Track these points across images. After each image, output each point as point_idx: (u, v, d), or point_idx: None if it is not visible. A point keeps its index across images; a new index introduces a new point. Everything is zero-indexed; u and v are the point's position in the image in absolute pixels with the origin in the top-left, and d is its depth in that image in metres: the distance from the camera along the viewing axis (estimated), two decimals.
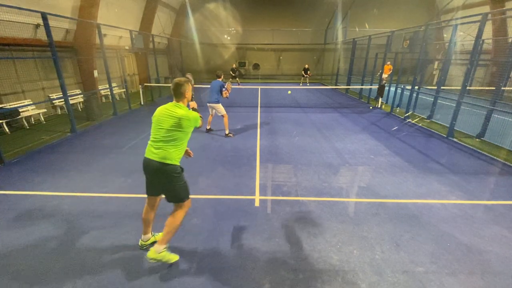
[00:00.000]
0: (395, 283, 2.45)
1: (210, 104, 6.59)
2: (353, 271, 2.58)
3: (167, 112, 2.40)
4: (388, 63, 12.63)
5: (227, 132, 6.76)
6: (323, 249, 2.87)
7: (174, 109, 2.42)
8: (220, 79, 6.63)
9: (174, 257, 2.61)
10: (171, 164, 2.38)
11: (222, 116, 6.68)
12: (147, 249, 2.77)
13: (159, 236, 2.87)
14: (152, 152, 2.39)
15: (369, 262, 2.68)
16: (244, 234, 3.09)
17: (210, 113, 6.92)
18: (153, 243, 2.84)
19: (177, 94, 2.47)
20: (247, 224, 3.27)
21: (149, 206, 2.67)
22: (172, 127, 2.36)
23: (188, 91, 2.52)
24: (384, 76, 11.71)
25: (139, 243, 2.84)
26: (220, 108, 6.60)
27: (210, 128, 7.15)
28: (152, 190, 2.57)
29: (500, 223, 3.34)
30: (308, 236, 3.07)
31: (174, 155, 2.40)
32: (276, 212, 3.53)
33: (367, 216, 3.46)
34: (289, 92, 7.61)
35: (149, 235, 2.85)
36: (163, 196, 2.58)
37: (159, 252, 2.46)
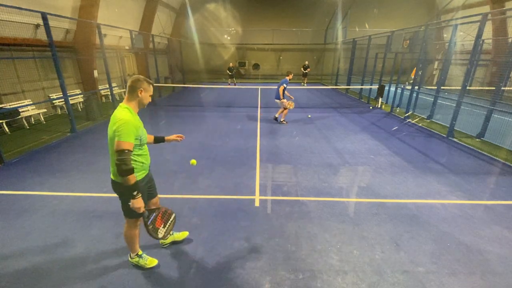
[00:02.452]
0: (395, 283, 2.45)
1: (276, 100, 7.99)
2: (353, 271, 2.58)
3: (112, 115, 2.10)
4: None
5: (282, 119, 8.13)
6: (323, 249, 2.87)
7: (116, 110, 2.10)
8: (288, 78, 7.79)
9: (151, 262, 2.56)
10: (114, 180, 2.18)
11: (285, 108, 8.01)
12: (168, 247, 2.86)
13: (178, 235, 2.94)
14: None
15: (369, 262, 2.68)
16: (244, 234, 3.08)
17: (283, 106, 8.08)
18: (173, 242, 2.91)
19: (128, 89, 2.14)
20: (247, 224, 3.27)
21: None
22: (109, 130, 2.06)
23: (144, 91, 2.13)
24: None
25: (160, 241, 2.88)
26: (283, 103, 7.86)
27: (276, 118, 8.29)
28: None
29: (500, 223, 3.34)
30: (308, 236, 3.07)
31: (114, 170, 2.11)
32: (276, 212, 3.53)
33: (367, 216, 3.46)
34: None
35: None
36: (156, 199, 2.63)
37: (132, 258, 2.56)
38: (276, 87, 7.86)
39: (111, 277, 2.46)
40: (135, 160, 2.16)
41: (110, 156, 2.13)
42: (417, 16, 18.88)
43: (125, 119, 1.99)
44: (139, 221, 2.40)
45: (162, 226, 2.36)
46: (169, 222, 2.45)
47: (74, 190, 4.04)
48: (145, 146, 2.32)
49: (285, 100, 7.82)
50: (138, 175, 2.18)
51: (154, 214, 2.34)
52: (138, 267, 2.57)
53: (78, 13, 9.51)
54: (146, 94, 2.17)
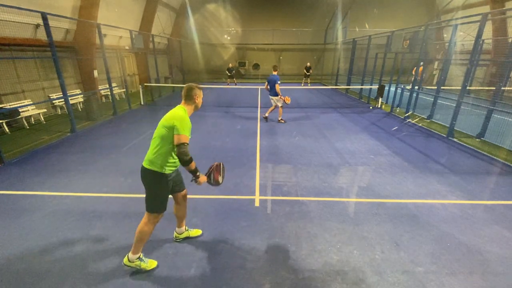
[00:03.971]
0: (395, 283, 2.44)
1: (271, 97, 7.95)
2: (353, 271, 2.58)
3: (168, 113, 2.33)
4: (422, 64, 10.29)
5: (279, 118, 8.12)
6: (323, 249, 2.87)
7: (172, 110, 2.34)
8: (275, 73, 7.71)
9: (151, 264, 2.56)
10: (151, 170, 2.29)
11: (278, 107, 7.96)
12: (180, 242, 2.90)
13: (193, 232, 3.01)
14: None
15: (369, 262, 2.68)
16: (244, 234, 3.08)
17: (272, 104, 8.07)
18: (187, 237, 2.96)
19: (185, 96, 2.39)
20: (247, 224, 3.27)
21: (175, 202, 2.74)
22: (161, 126, 2.27)
23: (198, 96, 2.43)
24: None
25: (174, 235, 2.94)
26: (278, 100, 7.83)
27: (266, 117, 8.34)
28: None
29: (500, 223, 3.34)
30: (308, 236, 3.07)
31: (157, 160, 2.28)
32: (276, 212, 3.53)
33: (367, 216, 3.46)
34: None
35: (183, 228, 2.93)
36: (185, 192, 2.72)
37: (133, 262, 2.47)
38: (267, 83, 7.82)
39: (111, 277, 2.46)
40: (173, 157, 2.35)
41: (152, 144, 2.32)
42: (417, 16, 18.88)
43: (185, 117, 2.27)
44: (160, 218, 2.47)
45: (220, 176, 2.67)
46: (222, 170, 2.71)
47: (74, 190, 4.04)
48: None
49: (283, 97, 7.83)
50: (167, 169, 2.34)
51: (212, 173, 2.60)
52: (136, 271, 2.52)
53: (78, 13, 9.51)
54: (200, 99, 2.47)
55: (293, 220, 3.36)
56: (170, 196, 2.55)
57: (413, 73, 10.95)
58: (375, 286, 2.41)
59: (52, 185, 4.18)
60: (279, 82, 7.64)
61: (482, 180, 4.50)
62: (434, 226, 3.25)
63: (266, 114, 8.33)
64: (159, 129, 2.28)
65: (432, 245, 2.93)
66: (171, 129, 2.20)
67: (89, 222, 3.26)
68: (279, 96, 7.76)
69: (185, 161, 2.24)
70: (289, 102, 7.96)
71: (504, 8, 12.19)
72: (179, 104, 2.43)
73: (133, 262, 2.47)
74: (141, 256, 2.51)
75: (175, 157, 2.35)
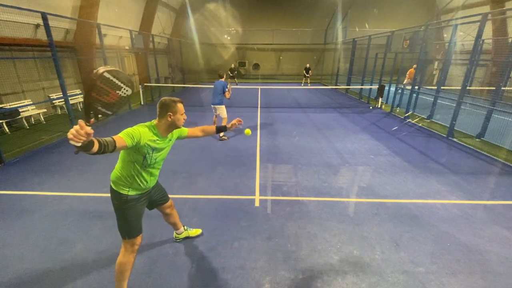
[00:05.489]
0: (395, 283, 2.44)
1: (214, 106, 6.41)
2: (353, 271, 2.58)
3: None
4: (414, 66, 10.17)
5: (221, 134, 6.49)
6: (323, 249, 2.87)
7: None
8: (223, 79, 6.43)
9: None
10: (113, 189, 2.05)
11: (222, 118, 6.48)
12: (180, 242, 2.91)
13: (192, 232, 3.00)
14: None
15: (369, 262, 2.68)
16: (244, 234, 3.08)
17: (215, 113, 6.67)
18: (187, 237, 2.96)
19: (158, 112, 2.05)
20: (247, 224, 3.27)
21: (162, 213, 2.63)
22: None
23: (174, 113, 2.01)
24: (406, 81, 11.05)
25: (174, 235, 2.94)
26: (223, 110, 6.41)
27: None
28: None
29: (500, 223, 3.34)
30: (308, 236, 3.07)
31: (119, 178, 2.02)
32: (276, 212, 3.53)
33: (367, 216, 3.46)
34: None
35: (182, 229, 2.92)
36: (169, 203, 2.60)
37: None
38: (214, 91, 6.34)
39: (111, 277, 2.46)
40: (140, 177, 2.04)
41: (117, 165, 2.07)
42: (417, 16, 18.89)
43: (135, 127, 1.92)
44: (137, 245, 2.16)
45: (116, 89, 1.94)
46: (114, 79, 2.07)
47: (74, 190, 4.04)
48: (155, 171, 2.17)
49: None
50: (130, 191, 2.06)
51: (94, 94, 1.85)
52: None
53: (78, 13, 9.51)
54: (177, 116, 2.04)
55: (293, 220, 3.36)
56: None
57: (408, 79, 11.00)
58: (375, 286, 2.41)
59: (52, 185, 4.18)
60: (226, 89, 6.38)
61: (482, 180, 4.50)
62: (434, 226, 3.25)
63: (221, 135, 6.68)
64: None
65: (432, 245, 2.93)
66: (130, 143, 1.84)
67: (89, 222, 3.26)
68: (223, 105, 6.46)
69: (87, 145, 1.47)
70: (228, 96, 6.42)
71: (504, 8, 12.19)
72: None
73: None
74: None
75: (144, 176, 2.06)
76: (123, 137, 1.79)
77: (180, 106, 2.06)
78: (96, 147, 1.51)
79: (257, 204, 3.73)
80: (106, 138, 1.63)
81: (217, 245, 2.90)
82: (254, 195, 3.94)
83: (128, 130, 1.86)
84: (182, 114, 2.08)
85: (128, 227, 2.09)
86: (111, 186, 2.06)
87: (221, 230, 3.16)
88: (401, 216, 3.46)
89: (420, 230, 3.18)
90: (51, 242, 2.91)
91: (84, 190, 4.04)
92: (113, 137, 1.72)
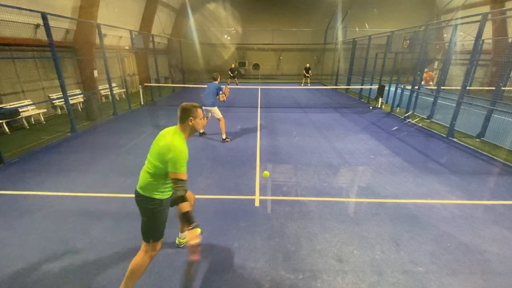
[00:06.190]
0: (395, 283, 2.44)
1: (206, 108, 6.23)
2: (353, 271, 2.58)
3: (160, 137, 2.12)
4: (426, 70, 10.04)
5: (224, 136, 6.42)
6: (323, 249, 2.87)
7: (167, 136, 2.06)
8: (217, 82, 6.34)
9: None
10: (145, 197, 2.07)
11: (218, 120, 6.38)
12: (183, 247, 2.83)
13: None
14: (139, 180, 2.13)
15: (369, 262, 2.68)
16: (244, 234, 3.08)
17: (205, 115, 6.43)
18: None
19: (180, 118, 2.13)
20: (247, 224, 3.27)
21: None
22: (156, 153, 2.02)
23: (194, 118, 2.11)
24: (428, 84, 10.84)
25: (176, 241, 2.87)
26: (217, 111, 6.29)
27: (203, 132, 6.89)
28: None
29: (500, 223, 3.34)
30: (308, 236, 3.07)
31: (152, 188, 2.06)
32: (276, 212, 3.53)
33: (367, 216, 3.46)
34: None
35: (185, 233, 2.84)
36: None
37: None
38: (207, 92, 6.30)
39: (111, 277, 2.46)
40: (167, 183, 2.10)
41: (146, 166, 2.10)
42: (417, 16, 18.89)
43: (182, 150, 1.98)
44: (157, 250, 2.20)
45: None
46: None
47: (74, 190, 4.04)
48: None
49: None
50: (164, 195, 2.11)
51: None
52: None
53: (78, 13, 9.51)
54: (197, 120, 2.14)
55: (293, 220, 3.36)
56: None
57: (421, 81, 10.83)
58: (375, 286, 2.41)
59: (52, 185, 4.18)
60: (221, 92, 6.39)
61: (482, 180, 4.50)
62: (434, 226, 3.25)
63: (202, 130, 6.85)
64: (154, 156, 2.03)
65: (432, 245, 2.93)
66: (166, 163, 1.95)
67: (89, 222, 3.26)
68: (216, 107, 6.36)
69: (178, 198, 1.87)
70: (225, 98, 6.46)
71: (504, 8, 12.19)
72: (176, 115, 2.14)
73: None
74: None
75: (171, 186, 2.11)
76: (184, 171, 1.97)
77: (199, 111, 2.15)
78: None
79: (257, 204, 3.73)
80: (184, 192, 1.91)
81: (217, 245, 2.90)
82: (254, 195, 3.94)
83: (182, 160, 1.95)
84: (201, 119, 2.18)
85: (156, 230, 2.15)
86: (139, 193, 2.09)
87: (221, 230, 3.16)
88: (401, 216, 3.46)
89: (420, 230, 3.18)
90: (51, 242, 2.91)
91: (84, 190, 4.04)
92: (180, 177, 1.93)
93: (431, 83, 11.60)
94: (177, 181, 1.92)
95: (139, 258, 2.15)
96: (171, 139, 2.01)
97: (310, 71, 17.77)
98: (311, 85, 18.05)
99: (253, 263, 2.66)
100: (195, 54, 21.20)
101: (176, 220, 2.83)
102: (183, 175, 1.94)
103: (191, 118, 2.09)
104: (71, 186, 4.15)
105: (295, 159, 5.35)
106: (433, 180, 4.46)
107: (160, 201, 2.09)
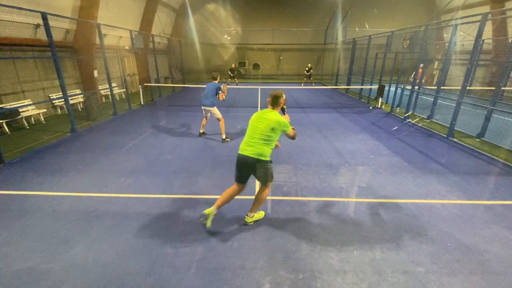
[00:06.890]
0: (395, 283, 2.45)
1: (205, 108, 6.25)
2: (353, 271, 2.58)
3: (263, 116, 2.96)
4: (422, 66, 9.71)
5: (224, 137, 6.39)
6: (323, 249, 2.87)
7: (268, 114, 2.95)
8: (217, 81, 6.32)
9: (261, 214, 3.40)
10: (263, 160, 2.91)
11: (218, 119, 6.38)
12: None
13: (258, 215, 3.38)
14: (247, 150, 2.91)
15: (369, 262, 2.68)
16: (244, 234, 3.09)
17: (204, 115, 6.54)
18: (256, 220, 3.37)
19: (273, 104, 3.04)
20: (247, 224, 3.27)
21: (239, 191, 3.15)
22: (266, 129, 2.88)
23: (282, 101, 3.09)
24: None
25: (245, 220, 3.30)
26: (216, 111, 6.26)
27: (203, 132, 6.84)
28: (245, 179, 3.10)
29: (500, 223, 3.34)
30: (308, 236, 3.07)
31: (266, 152, 2.92)
32: (276, 212, 3.53)
33: (367, 216, 3.46)
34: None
35: (253, 213, 3.34)
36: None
37: (251, 218, 3.25)
38: (206, 92, 6.24)
39: (111, 277, 2.46)
40: (271, 149, 3.01)
41: (257, 139, 2.91)
42: (417, 16, 18.89)
43: (284, 120, 2.98)
44: (272, 184, 3.18)
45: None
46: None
47: (74, 190, 4.04)
48: None
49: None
50: (269, 157, 3.01)
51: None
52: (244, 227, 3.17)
53: (78, 13, 9.51)
54: (284, 101, 3.11)
55: (293, 220, 3.36)
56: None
57: (411, 78, 10.89)
58: (375, 286, 2.41)
59: (52, 185, 4.18)
60: (220, 92, 6.28)
61: (482, 180, 4.50)
62: (434, 226, 3.25)
63: (202, 130, 6.82)
64: (265, 130, 2.88)
65: (432, 245, 2.93)
66: (279, 131, 2.96)
67: (89, 222, 3.26)
68: (215, 107, 6.34)
69: (295, 136, 3.14)
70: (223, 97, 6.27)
71: (504, 8, 12.19)
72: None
73: (253, 217, 3.26)
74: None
75: (272, 147, 3.06)
76: (291, 127, 3.07)
77: (285, 96, 3.12)
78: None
79: None
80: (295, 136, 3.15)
81: (217, 245, 2.90)
82: (254, 195, 3.92)
83: (288, 124, 3.00)
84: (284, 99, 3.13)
85: (271, 175, 3.07)
86: (255, 158, 2.90)
87: (221, 230, 3.16)
88: (401, 216, 3.46)
89: (420, 230, 3.18)
90: (51, 242, 2.91)
91: (84, 190, 4.04)
92: (293, 131, 3.10)
93: (423, 80, 11.55)
94: (293, 135, 3.11)
95: (266, 192, 3.14)
96: (274, 116, 2.92)
97: (311, 71, 17.63)
98: (314, 85, 18.02)
99: (253, 263, 2.66)
100: (195, 54, 21.19)
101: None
102: (292, 130, 3.06)
103: (281, 102, 3.07)
104: (71, 186, 4.15)
105: (295, 159, 5.35)
106: (433, 180, 4.46)
107: (270, 161, 3.03)
